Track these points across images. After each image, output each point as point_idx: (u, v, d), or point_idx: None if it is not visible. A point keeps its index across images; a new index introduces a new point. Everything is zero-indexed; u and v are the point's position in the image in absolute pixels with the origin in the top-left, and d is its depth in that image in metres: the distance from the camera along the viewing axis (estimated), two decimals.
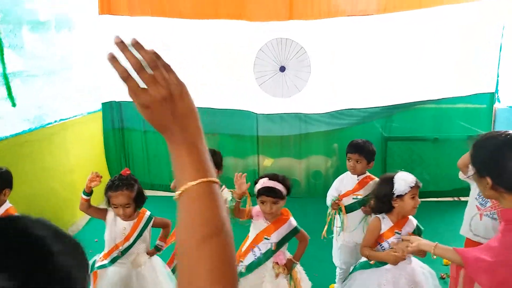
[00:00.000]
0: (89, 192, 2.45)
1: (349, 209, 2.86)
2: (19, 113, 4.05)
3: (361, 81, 4.61)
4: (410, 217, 2.33)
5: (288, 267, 2.42)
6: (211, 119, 5.05)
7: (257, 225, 2.47)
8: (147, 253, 2.59)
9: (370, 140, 4.73)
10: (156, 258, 2.67)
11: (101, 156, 5.33)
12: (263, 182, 2.38)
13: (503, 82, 4.63)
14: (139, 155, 5.36)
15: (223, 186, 2.73)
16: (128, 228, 2.50)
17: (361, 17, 4.45)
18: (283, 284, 2.42)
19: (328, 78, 4.65)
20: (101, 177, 2.48)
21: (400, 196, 2.23)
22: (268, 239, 2.40)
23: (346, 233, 2.85)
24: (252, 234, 2.48)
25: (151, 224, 2.58)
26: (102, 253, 2.55)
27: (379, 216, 2.34)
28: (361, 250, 2.37)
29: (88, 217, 4.77)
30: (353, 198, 2.87)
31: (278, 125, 4.91)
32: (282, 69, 4.71)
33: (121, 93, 5.16)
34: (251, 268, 2.42)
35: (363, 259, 2.42)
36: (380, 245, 2.32)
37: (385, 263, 2.27)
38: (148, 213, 2.60)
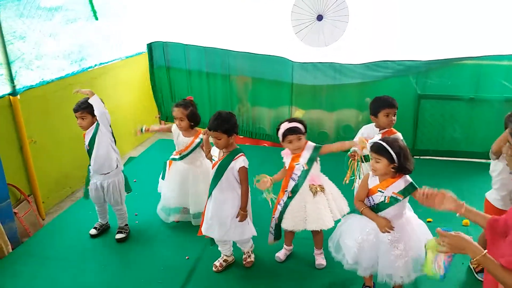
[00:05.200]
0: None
1: (367, 158, 2.95)
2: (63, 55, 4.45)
3: (399, 33, 4.44)
4: (401, 179, 2.39)
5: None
6: (249, 64, 5.21)
7: (288, 161, 2.93)
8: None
9: (404, 97, 4.68)
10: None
11: (145, 96, 5.75)
12: (285, 125, 2.84)
13: None
14: (184, 93, 5.68)
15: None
16: (187, 142, 3.42)
17: None
18: (322, 201, 2.88)
19: (365, 29, 4.52)
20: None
21: None
22: (298, 164, 2.87)
23: None
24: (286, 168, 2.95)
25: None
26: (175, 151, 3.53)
27: (370, 172, 2.50)
28: (354, 202, 2.58)
29: (128, 156, 5.31)
30: None
31: (312, 74, 4.92)
32: (320, 17, 4.66)
33: (165, 34, 5.43)
34: (295, 190, 2.89)
35: None
36: (367, 199, 2.50)
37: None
38: (201, 135, 3.35)
